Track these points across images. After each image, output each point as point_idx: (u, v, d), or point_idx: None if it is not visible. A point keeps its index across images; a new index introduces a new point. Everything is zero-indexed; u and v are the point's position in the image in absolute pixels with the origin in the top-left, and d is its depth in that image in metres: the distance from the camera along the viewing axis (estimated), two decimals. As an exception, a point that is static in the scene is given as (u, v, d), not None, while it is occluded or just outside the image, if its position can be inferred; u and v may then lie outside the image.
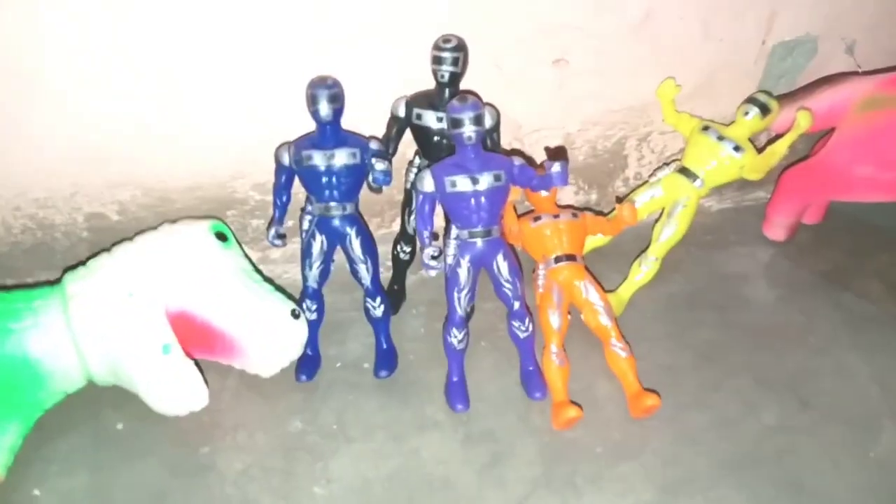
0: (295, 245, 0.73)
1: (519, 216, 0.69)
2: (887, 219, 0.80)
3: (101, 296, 0.58)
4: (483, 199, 0.58)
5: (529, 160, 0.67)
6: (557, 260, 0.66)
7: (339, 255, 0.65)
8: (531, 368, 0.64)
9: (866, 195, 0.71)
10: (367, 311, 0.65)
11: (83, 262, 0.62)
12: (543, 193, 0.67)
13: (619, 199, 0.72)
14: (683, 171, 0.71)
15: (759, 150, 0.71)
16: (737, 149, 0.69)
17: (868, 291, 0.74)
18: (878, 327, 0.70)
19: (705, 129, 0.71)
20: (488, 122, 0.61)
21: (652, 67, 0.71)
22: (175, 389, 0.57)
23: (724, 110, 0.74)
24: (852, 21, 0.74)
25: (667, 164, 0.74)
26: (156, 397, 0.57)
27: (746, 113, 0.70)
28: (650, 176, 0.74)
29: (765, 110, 0.70)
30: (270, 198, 0.70)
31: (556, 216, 0.67)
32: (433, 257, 0.59)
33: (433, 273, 0.60)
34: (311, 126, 0.63)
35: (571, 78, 0.69)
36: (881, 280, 0.75)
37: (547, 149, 0.74)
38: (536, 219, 0.68)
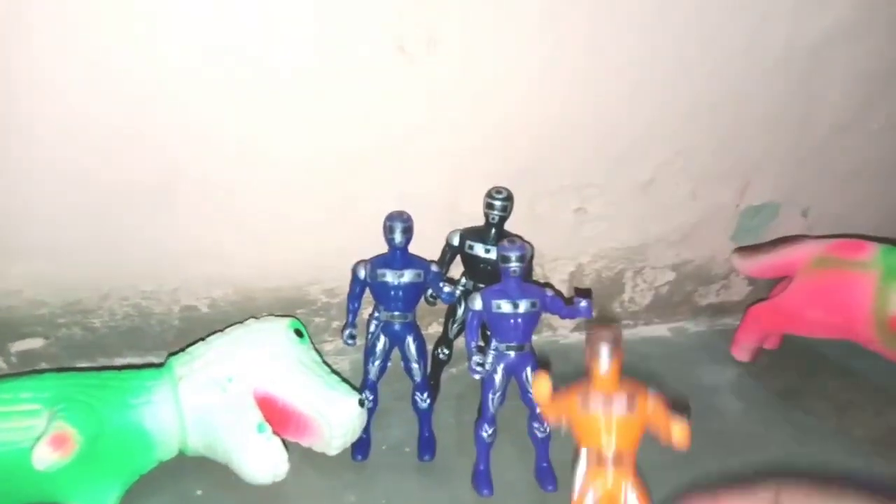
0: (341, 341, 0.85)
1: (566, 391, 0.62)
2: (832, 350, 0.95)
3: (205, 379, 0.69)
4: (520, 321, 0.72)
5: (558, 293, 0.82)
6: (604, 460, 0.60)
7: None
8: (545, 465, 0.75)
9: (815, 333, 0.87)
10: (414, 402, 0.78)
11: (182, 349, 0.73)
12: (602, 369, 0.61)
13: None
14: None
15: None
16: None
17: (815, 409, 0.88)
18: (822, 440, 0.83)
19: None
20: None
21: (650, 218, 0.88)
22: (266, 462, 0.68)
23: (704, 254, 0.92)
24: (808, 193, 0.93)
25: None
26: (248, 468, 0.68)
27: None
28: None
29: None
30: (335, 300, 0.84)
31: (610, 398, 0.60)
32: (479, 364, 0.72)
33: (477, 376, 0.73)
34: (372, 246, 0.77)
35: (587, 222, 0.86)
36: (826, 400, 0.89)
37: (576, 288, 0.90)
38: (585, 400, 0.60)
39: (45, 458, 0.58)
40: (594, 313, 0.72)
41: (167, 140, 0.69)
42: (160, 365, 0.72)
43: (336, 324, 0.85)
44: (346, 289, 0.79)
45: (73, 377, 0.68)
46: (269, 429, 0.69)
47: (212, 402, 0.69)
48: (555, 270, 0.90)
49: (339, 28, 0.68)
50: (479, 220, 0.79)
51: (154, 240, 0.74)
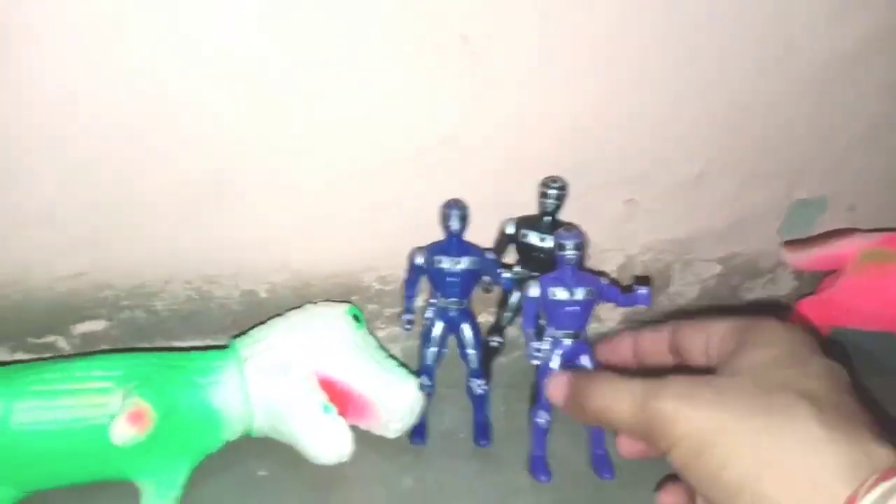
0: (395, 328, 0.87)
1: None
2: (876, 345, 0.95)
3: (269, 361, 0.71)
4: (577, 308, 0.73)
5: (613, 281, 0.83)
6: None
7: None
8: (600, 452, 0.76)
9: (867, 325, 0.87)
10: (469, 389, 0.79)
11: (243, 332, 0.75)
12: None
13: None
14: None
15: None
16: None
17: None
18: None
19: None
20: (581, 245, 0.77)
21: (699, 210, 0.89)
22: (332, 442, 0.69)
23: (754, 247, 0.93)
24: (856, 188, 0.94)
25: None
26: (315, 449, 0.69)
27: None
28: None
29: None
30: (388, 288, 0.85)
31: None
32: (538, 350, 0.73)
33: (536, 362, 0.74)
34: (426, 234, 0.78)
35: (637, 214, 0.87)
36: (874, 396, 0.91)
37: (636, 276, 0.91)
38: None
39: (123, 433, 0.59)
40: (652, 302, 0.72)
41: (222, 133, 0.70)
42: (223, 347, 0.74)
43: (388, 311, 0.87)
44: (400, 277, 0.81)
45: (141, 357, 0.69)
46: (334, 409, 0.70)
47: (277, 384, 0.70)
48: (604, 262, 0.91)
49: (400, 22, 0.69)
50: (530, 212, 0.80)
51: (216, 228, 0.76)
